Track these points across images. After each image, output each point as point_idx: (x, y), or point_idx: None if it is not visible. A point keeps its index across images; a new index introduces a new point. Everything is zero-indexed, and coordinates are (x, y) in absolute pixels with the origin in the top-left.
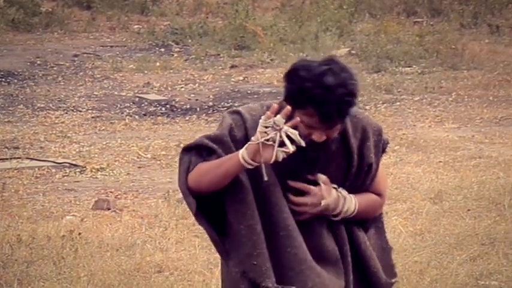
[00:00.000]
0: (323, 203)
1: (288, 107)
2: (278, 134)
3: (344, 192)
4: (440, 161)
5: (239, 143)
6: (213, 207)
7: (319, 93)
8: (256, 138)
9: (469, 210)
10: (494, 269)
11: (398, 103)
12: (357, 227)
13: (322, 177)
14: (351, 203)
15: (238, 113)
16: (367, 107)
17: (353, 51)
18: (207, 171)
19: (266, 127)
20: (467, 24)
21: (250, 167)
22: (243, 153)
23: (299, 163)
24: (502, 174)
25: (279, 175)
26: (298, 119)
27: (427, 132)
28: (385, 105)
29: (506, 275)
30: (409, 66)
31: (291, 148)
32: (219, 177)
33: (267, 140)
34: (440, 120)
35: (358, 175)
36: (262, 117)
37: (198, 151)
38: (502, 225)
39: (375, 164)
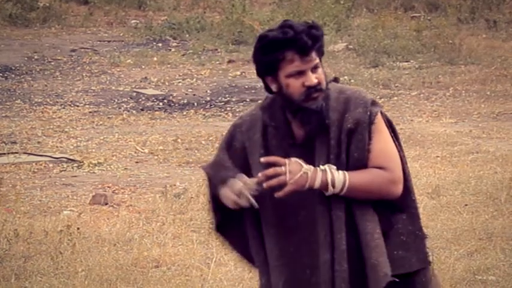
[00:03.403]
0: (304, 166)
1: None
2: (246, 195)
3: (325, 166)
4: (437, 156)
5: (239, 151)
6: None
7: (286, 32)
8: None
9: (466, 205)
10: (491, 264)
11: (395, 98)
12: (371, 215)
13: (292, 159)
14: (337, 174)
15: (239, 118)
16: None
17: (350, 46)
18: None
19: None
20: (464, 19)
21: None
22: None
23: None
24: (499, 169)
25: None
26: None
27: (425, 127)
28: (382, 100)
29: (504, 270)
30: (406, 61)
31: (254, 203)
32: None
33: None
34: (438, 115)
35: (339, 147)
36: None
37: (208, 176)
38: (500, 220)
39: (359, 135)
